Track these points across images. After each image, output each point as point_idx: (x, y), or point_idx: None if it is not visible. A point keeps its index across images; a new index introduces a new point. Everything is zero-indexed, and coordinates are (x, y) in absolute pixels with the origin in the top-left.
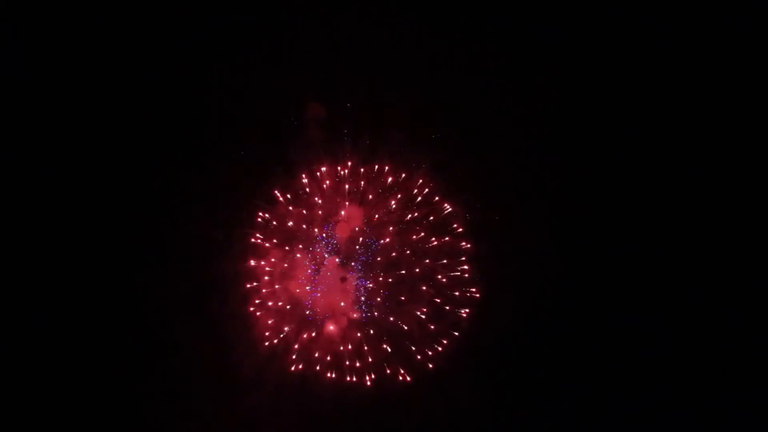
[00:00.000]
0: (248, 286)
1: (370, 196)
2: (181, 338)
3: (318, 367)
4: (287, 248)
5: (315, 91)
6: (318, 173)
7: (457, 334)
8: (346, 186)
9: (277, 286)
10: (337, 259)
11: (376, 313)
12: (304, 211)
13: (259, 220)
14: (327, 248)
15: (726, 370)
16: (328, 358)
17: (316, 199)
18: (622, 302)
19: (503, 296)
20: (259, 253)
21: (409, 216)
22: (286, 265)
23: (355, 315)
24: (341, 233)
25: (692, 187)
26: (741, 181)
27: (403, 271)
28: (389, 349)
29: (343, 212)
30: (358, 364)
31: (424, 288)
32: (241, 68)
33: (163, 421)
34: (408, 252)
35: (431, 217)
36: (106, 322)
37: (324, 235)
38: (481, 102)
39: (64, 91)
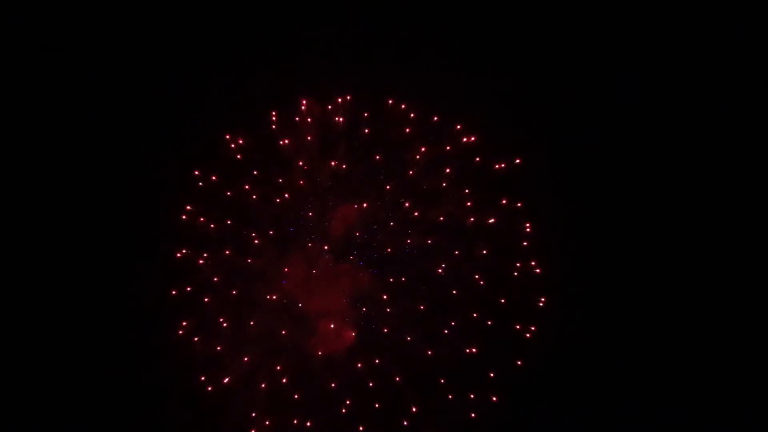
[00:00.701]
0: (174, 293)
1: (378, 157)
2: None
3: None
4: (250, 233)
5: None
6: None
7: (519, 363)
8: (340, 120)
9: (234, 292)
10: (326, 248)
11: (385, 330)
12: (281, 180)
13: (200, 183)
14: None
15: None
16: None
17: (283, 142)
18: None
19: (585, 306)
20: (199, 237)
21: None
22: (250, 260)
23: (353, 333)
24: (335, 231)
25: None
26: None
27: (441, 269)
28: (406, 394)
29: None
30: (361, 429)
31: (455, 292)
32: None
33: None
34: (430, 242)
35: (466, 190)
36: None
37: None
38: None
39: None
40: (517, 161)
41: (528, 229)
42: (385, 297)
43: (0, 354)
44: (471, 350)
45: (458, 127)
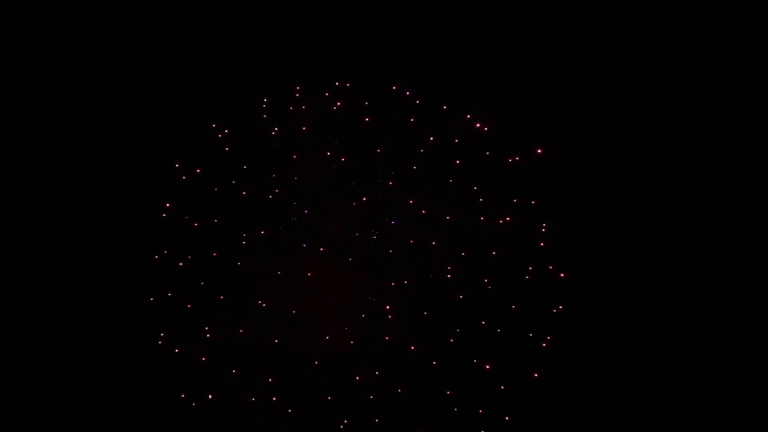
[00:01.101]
0: (152, 299)
1: (379, 150)
2: None
3: None
4: (239, 233)
5: None
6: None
7: (536, 375)
8: (336, 105)
9: (221, 297)
10: (322, 249)
11: (386, 338)
12: (273, 175)
13: (182, 177)
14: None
15: None
16: None
17: (275, 132)
18: None
19: (606, 313)
20: (180, 237)
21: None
22: (239, 263)
23: (351, 341)
24: (332, 231)
25: None
26: None
27: (447, 272)
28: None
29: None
30: None
31: (462, 297)
32: None
33: None
34: (434, 243)
35: (474, 187)
36: None
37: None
38: None
39: None
40: (539, 150)
41: (543, 229)
42: (387, 307)
43: None
44: (480, 361)
45: (468, 116)
